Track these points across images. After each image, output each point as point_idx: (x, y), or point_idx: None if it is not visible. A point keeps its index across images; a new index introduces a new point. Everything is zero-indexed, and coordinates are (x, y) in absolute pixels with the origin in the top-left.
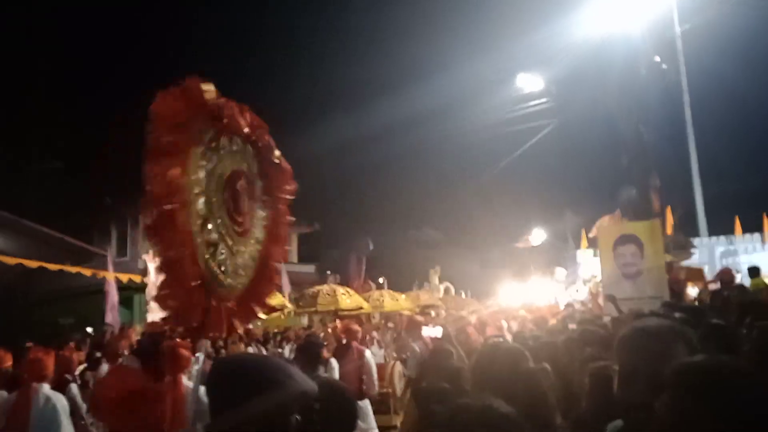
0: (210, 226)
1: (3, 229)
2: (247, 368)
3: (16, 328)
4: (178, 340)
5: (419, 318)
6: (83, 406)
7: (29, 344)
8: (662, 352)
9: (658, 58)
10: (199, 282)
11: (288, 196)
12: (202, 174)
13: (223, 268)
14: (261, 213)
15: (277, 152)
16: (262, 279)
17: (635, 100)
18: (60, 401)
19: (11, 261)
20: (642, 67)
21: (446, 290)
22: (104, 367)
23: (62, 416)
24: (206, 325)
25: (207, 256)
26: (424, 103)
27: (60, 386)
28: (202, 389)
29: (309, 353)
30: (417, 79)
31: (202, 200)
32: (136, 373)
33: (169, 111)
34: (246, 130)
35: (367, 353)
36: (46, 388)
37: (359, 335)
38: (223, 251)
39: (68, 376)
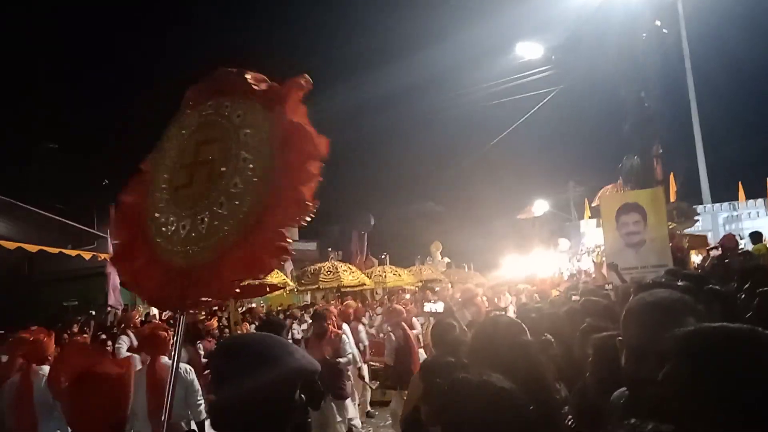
0: (163, 214)
1: (3, 213)
2: (249, 345)
3: (22, 310)
4: (155, 321)
5: (398, 306)
6: None
7: (34, 328)
8: (671, 325)
9: (658, 23)
10: (151, 258)
11: (308, 160)
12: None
13: (164, 229)
14: (246, 156)
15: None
16: (249, 248)
17: (636, 67)
18: None
19: (11, 245)
20: (642, 32)
21: (448, 265)
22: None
23: None
24: (160, 300)
25: (158, 232)
26: (423, 74)
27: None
28: (185, 367)
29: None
30: (416, 49)
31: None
32: (93, 351)
33: None
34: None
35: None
36: (46, 369)
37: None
38: (171, 231)
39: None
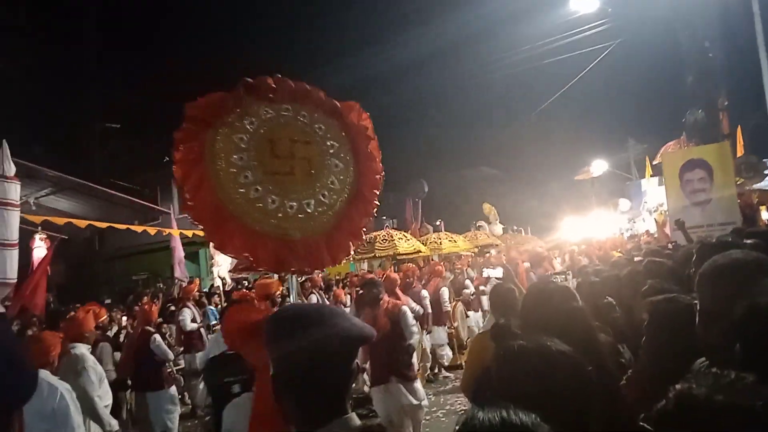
0: (257, 194)
1: (74, 192)
2: (304, 312)
3: (95, 284)
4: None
5: (394, 275)
6: (170, 354)
7: (108, 301)
8: (745, 288)
9: None
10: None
11: (363, 127)
12: (235, 153)
13: (281, 214)
14: (332, 150)
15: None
16: (348, 215)
17: (699, 15)
18: (87, 362)
19: (82, 223)
20: None
21: (504, 229)
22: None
23: (87, 380)
24: (286, 263)
25: (259, 215)
26: (474, 33)
27: (143, 337)
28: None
29: (369, 295)
30: (467, 6)
31: (241, 174)
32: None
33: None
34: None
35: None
36: (80, 348)
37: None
38: (273, 201)
39: (150, 328)
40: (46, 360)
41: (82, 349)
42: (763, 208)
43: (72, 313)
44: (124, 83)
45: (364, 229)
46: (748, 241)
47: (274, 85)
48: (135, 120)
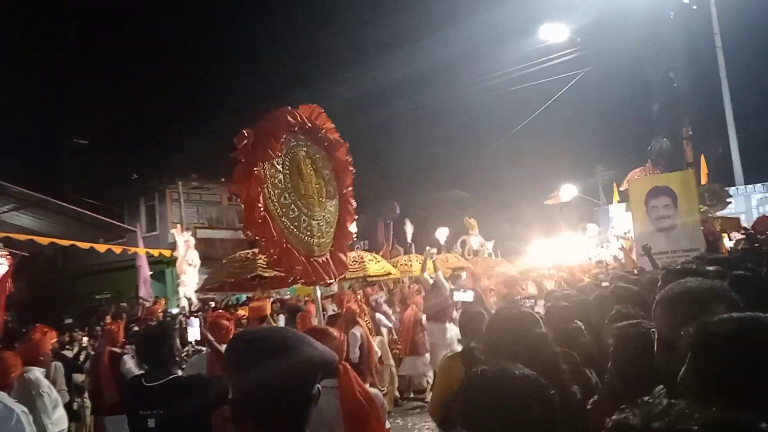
0: (292, 208)
1: (38, 209)
2: (264, 336)
3: (58, 303)
4: (219, 311)
5: (353, 306)
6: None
7: (69, 319)
8: (701, 316)
9: (686, 0)
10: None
11: (348, 162)
12: (278, 173)
13: (309, 232)
14: (330, 190)
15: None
16: (341, 237)
17: (664, 46)
18: (42, 388)
19: (44, 240)
20: (670, 11)
21: (476, 252)
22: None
23: (41, 406)
24: (307, 276)
25: (294, 230)
26: (447, 59)
27: (112, 359)
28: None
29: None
30: (440, 33)
31: (283, 194)
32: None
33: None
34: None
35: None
36: (34, 373)
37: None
38: (305, 221)
39: (116, 349)
40: (5, 382)
41: (37, 373)
42: (725, 236)
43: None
44: (94, 99)
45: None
46: (711, 268)
47: (303, 115)
48: (104, 136)
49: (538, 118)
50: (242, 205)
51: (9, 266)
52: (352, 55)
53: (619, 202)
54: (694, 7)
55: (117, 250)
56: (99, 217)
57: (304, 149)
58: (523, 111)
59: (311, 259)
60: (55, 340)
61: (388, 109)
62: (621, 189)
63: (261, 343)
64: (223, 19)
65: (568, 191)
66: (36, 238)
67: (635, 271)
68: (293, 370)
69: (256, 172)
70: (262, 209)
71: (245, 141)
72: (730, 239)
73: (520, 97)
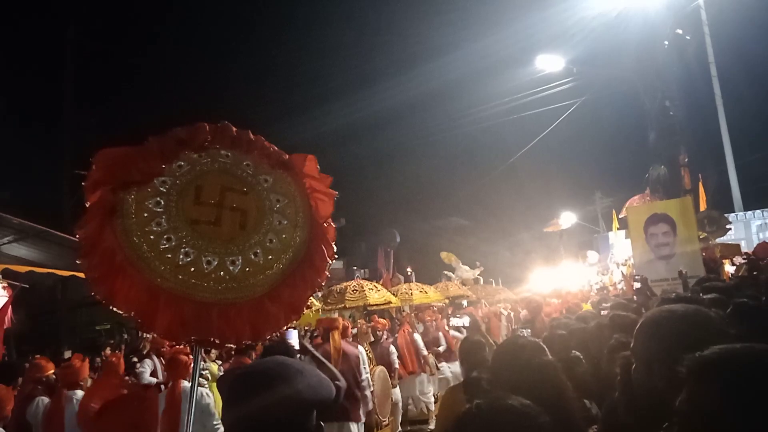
0: (169, 243)
1: (38, 240)
2: (258, 371)
3: (57, 334)
4: (177, 346)
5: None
6: None
7: (68, 352)
8: (681, 339)
9: (680, 31)
10: (160, 294)
11: (318, 184)
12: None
13: (192, 269)
14: (277, 206)
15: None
16: (291, 283)
17: (659, 75)
18: None
19: (43, 271)
20: (664, 41)
21: (475, 280)
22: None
23: None
24: (180, 332)
25: (159, 259)
26: (443, 87)
27: None
28: (201, 391)
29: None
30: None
31: (148, 215)
32: (121, 382)
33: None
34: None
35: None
36: (79, 394)
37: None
38: (187, 263)
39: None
40: (77, 381)
41: (81, 393)
42: (726, 262)
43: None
44: (97, 129)
45: (308, 304)
46: (708, 296)
47: (210, 131)
48: None
49: (536, 147)
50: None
51: (8, 298)
52: (351, 84)
53: (618, 229)
54: (688, 37)
55: None
56: None
57: (226, 165)
58: (521, 139)
59: (195, 307)
60: (49, 372)
61: (386, 138)
62: (620, 216)
63: (249, 378)
64: (226, 49)
65: (568, 218)
66: (36, 269)
67: (635, 298)
68: (282, 406)
69: (107, 193)
70: (114, 241)
71: (103, 162)
72: (733, 264)
73: (518, 126)
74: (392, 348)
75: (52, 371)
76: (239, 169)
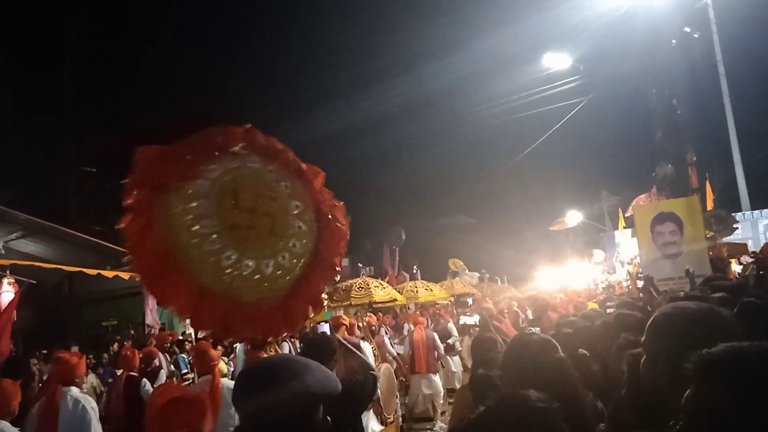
0: (213, 246)
1: (45, 236)
2: (265, 368)
3: (63, 331)
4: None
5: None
6: None
7: (75, 348)
8: (690, 336)
9: (687, 29)
10: (204, 295)
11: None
12: (193, 202)
13: (235, 273)
14: (295, 212)
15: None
16: (310, 280)
17: (667, 73)
18: (89, 403)
19: (49, 266)
20: (671, 39)
21: (480, 278)
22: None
23: (93, 418)
24: (235, 331)
25: (211, 267)
26: (452, 87)
27: (129, 384)
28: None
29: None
30: (443, 59)
31: (199, 224)
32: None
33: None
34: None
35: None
36: (74, 391)
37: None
38: (229, 265)
39: (134, 374)
40: (7, 410)
41: (77, 391)
42: (733, 261)
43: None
44: (101, 127)
45: (324, 295)
46: (716, 295)
47: (243, 135)
48: (111, 164)
49: (542, 145)
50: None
51: (15, 294)
52: (358, 83)
53: (624, 228)
54: (695, 35)
55: (125, 276)
56: (106, 244)
57: (256, 170)
58: (527, 137)
59: (237, 307)
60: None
61: (392, 136)
62: (626, 215)
63: (260, 374)
64: (228, 49)
65: (574, 217)
66: (43, 265)
67: (641, 295)
68: (291, 401)
69: (149, 194)
70: (163, 243)
71: (144, 161)
72: (740, 263)
73: (524, 124)
74: (386, 340)
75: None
76: (266, 174)
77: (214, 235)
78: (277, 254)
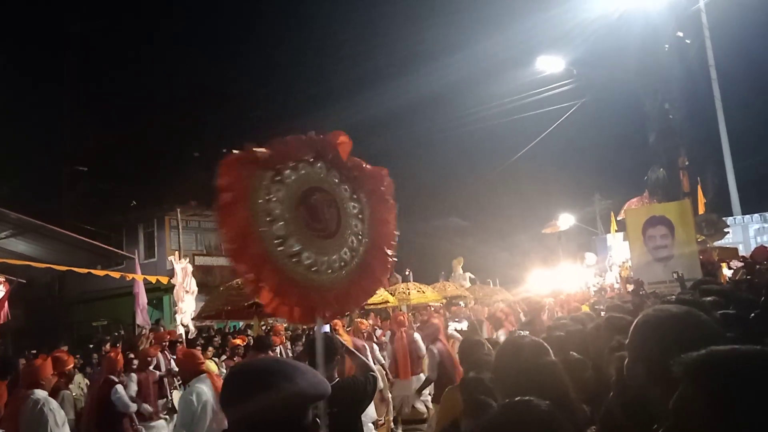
0: (291, 243)
1: (36, 235)
2: (253, 370)
3: (54, 330)
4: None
5: (435, 321)
6: (132, 406)
7: (65, 348)
8: (673, 339)
9: (680, 34)
10: (290, 286)
11: (383, 192)
12: (273, 204)
13: (314, 269)
14: (354, 211)
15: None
16: (369, 266)
17: (659, 78)
18: (50, 404)
19: (40, 266)
20: (665, 44)
21: (472, 280)
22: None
23: (50, 420)
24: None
25: (294, 266)
26: (445, 89)
27: (105, 387)
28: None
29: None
30: (437, 62)
31: (278, 225)
32: None
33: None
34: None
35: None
36: (38, 393)
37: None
38: (309, 257)
39: (113, 377)
40: (36, 381)
41: (41, 393)
42: (724, 265)
43: (23, 361)
44: (93, 126)
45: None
46: (708, 299)
47: (311, 142)
48: (103, 164)
49: (535, 148)
50: (226, 234)
51: (6, 293)
52: (351, 86)
53: (616, 231)
54: (688, 40)
55: (115, 275)
56: (97, 243)
57: (324, 175)
58: (520, 140)
59: (316, 292)
60: (69, 366)
61: (386, 138)
62: (619, 218)
63: (250, 375)
64: (223, 48)
65: (566, 220)
66: (33, 264)
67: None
68: (281, 402)
69: (244, 197)
70: (254, 236)
71: (235, 163)
72: (730, 268)
73: (517, 127)
74: (374, 346)
75: (72, 365)
76: (331, 178)
77: (293, 239)
78: (340, 250)
